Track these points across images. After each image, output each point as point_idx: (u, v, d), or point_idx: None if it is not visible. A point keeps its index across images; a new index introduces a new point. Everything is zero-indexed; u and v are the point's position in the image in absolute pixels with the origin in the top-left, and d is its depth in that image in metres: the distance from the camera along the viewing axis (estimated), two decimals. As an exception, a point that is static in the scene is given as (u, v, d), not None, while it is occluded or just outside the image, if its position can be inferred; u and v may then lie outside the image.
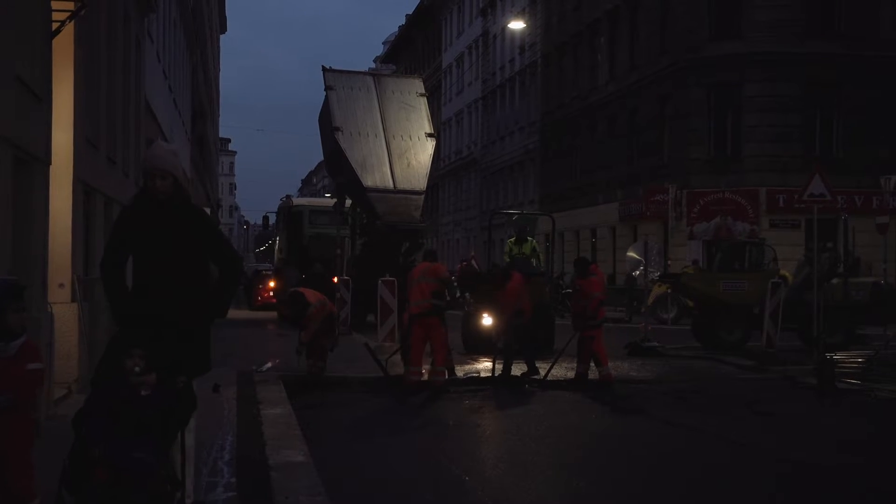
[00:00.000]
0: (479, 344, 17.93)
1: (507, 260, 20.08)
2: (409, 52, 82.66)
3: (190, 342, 5.85)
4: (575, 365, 14.89)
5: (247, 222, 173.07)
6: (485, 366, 15.47)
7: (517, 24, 47.57)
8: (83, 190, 12.42)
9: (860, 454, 9.86)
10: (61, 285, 11.17)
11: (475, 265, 28.67)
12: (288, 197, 37.52)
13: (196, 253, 6.00)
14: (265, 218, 44.29)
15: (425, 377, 13.59)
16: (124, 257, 6.06)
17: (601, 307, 14.98)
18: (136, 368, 5.30)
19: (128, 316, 5.89)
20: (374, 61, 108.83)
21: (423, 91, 27.27)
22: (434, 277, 13.87)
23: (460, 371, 14.77)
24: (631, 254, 25.04)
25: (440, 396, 13.09)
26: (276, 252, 39.63)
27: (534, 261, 20.13)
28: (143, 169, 6.13)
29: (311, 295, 14.07)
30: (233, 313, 33.90)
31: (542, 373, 14.69)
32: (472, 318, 18.28)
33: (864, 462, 9.45)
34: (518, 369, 14.70)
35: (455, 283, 20.45)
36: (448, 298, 14.21)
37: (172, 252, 5.89)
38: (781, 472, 8.85)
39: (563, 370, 15.22)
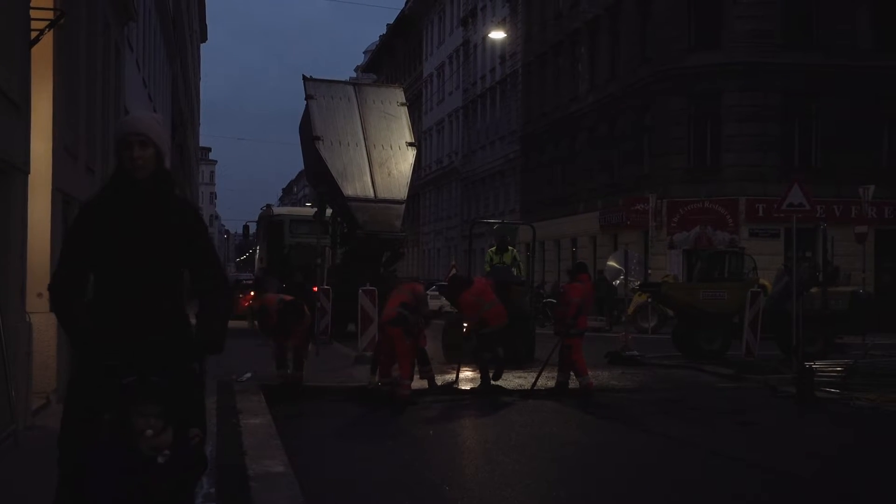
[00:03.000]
0: (459, 354, 17.96)
1: (488, 269, 20.10)
2: (390, 61, 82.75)
3: (195, 380, 4.55)
4: (556, 374, 14.87)
5: (227, 232, 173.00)
6: (464, 375, 15.46)
7: (498, 34, 47.69)
8: (62, 199, 12.36)
9: (838, 463, 9.90)
10: (39, 295, 11.08)
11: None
12: (268, 206, 37.44)
13: (177, 262, 4.47)
14: (245, 227, 44.23)
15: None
16: (84, 272, 4.46)
17: (580, 314, 14.86)
18: (150, 431, 3.95)
19: (100, 350, 4.27)
20: (355, 70, 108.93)
21: (404, 100, 27.30)
22: (409, 290, 13.95)
23: (440, 380, 14.73)
24: (611, 263, 25.10)
25: (417, 406, 13.06)
26: (256, 261, 39.56)
27: (514, 270, 20.16)
28: (116, 140, 4.60)
29: (304, 307, 14.36)
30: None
31: (522, 384, 14.68)
32: (451, 328, 18.28)
33: (841, 471, 9.48)
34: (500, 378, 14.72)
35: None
36: (420, 315, 14.02)
37: (151, 255, 4.37)
38: (760, 481, 8.88)
39: (542, 379, 15.20)
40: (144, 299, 4.32)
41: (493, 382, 14.48)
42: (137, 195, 4.43)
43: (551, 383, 14.93)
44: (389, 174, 24.75)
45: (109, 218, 4.39)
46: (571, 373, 14.60)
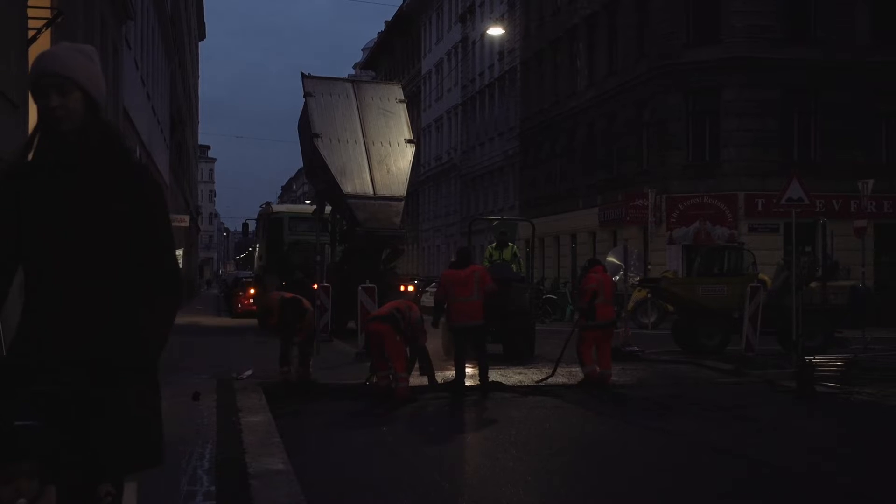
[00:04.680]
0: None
1: (487, 265, 20.11)
2: (389, 58, 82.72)
3: (114, 413, 3.11)
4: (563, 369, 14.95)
5: (227, 229, 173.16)
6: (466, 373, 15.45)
7: (496, 30, 47.66)
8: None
9: (839, 458, 9.90)
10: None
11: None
12: (268, 204, 37.44)
13: (121, 241, 3.25)
14: (245, 225, 44.17)
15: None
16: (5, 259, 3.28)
17: (595, 301, 14.91)
18: (22, 501, 2.75)
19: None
20: (354, 68, 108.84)
21: (403, 97, 27.27)
22: (406, 305, 13.96)
23: (439, 377, 14.71)
24: (611, 259, 25.06)
25: (416, 402, 13.06)
26: (256, 259, 39.58)
27: (514, 266, 20.16)
28: (29, 86, 3.37)
29: (306, 302, 14.25)
30: (214, 321, 33.94)
31: (521, 380, 14.66)
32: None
33: (842, 466, 9.48)
34: (499, 375, 14.71)
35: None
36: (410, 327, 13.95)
37: (78, 236, 3.21)
38: (762, 477, 8.87)
39: (542, 375, 15.23)
40: (75, 297, 3.20)
41: (441, 382, 14.25)
42: (60, 156, 3.26)
43: (552, 379, 14.97)
44: (388, 171, 24.73)
45: (26, 189, 3.26)
46: (596, 364, 14.80)
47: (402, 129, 25.86)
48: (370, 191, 24.21)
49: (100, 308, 3.21)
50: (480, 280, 14.16)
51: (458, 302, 14.02)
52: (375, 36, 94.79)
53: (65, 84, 3.24)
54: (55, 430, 2.93)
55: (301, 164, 33.03)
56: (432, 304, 15.43)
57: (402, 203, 24.82)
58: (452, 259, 15.83)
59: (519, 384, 14.74)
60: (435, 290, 14.91)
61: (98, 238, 3.21)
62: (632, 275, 23.31)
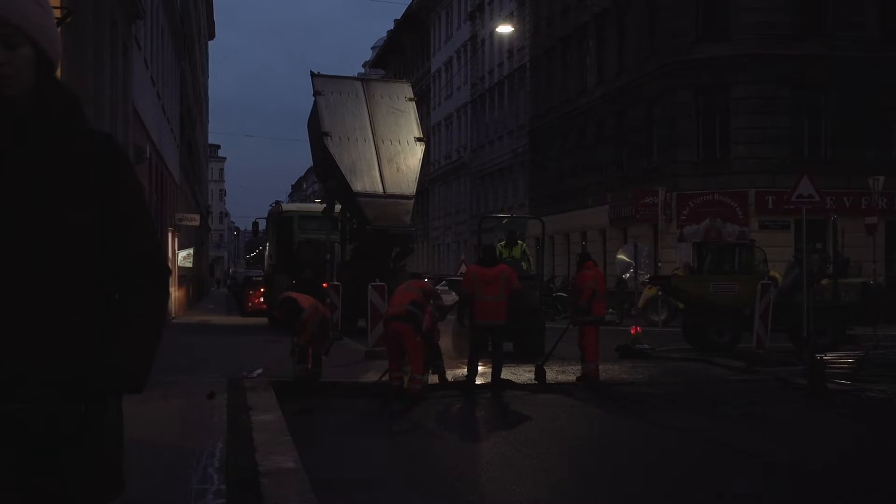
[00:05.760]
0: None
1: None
2: (398, 56, 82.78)
3: (78, 438, 2.53)
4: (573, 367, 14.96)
5: (237, 229, 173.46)
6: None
7: (505, 28, 47.67)
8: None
9: (852, 455, 9.87)
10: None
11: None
12: (277, 203, 37.48)
13: (80, 237, 2.58)
14: (255, 224, 44.21)
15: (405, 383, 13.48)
16: None
17: (594, 299, 14.96)
18: None
19: None
20: (364, 66, 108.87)
21: (412, 95, 27.25)
22: (418, 288, 13.84)
23: (450, 375, 14.71)
24: (621, 256, 25.16)
25: (427, 400, 13.05)
26: (265, 258, 39.60)
27: (524, 264, 20.15)
28: None
29: (304, 300, 13.95)
30: (224, 320, 33.98)
31: (531, 378, 14.66)
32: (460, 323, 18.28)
33: (855, 463, 9.46)
34: (510, 373, 14.70)
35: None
36: (433, 310, 13.91)
37: (22, 223, 2.50)
38: (773, 474, 8.85)
39: (553, 372, 15.22)
40: (24, 299, 2.49)
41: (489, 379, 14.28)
42: (3, 127, 2.53)
43: (562, 377, 14.97)
44: (398, 169, 24.71)
45: None
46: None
47: (412, 127, 25.84)
48: (380, 189, 24.20)
49: (61, 313, 2.54)
50: (508, 280, 14.12)
51: (484, 300, 13.99)
52: (385, 34, 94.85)
53: (13, 36, 2.51)
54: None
55: (311, 163, 33.03)
56: (447, 303, 15.41)
57: (412, 201, 24.80)
58: (462, 258, 15.84)
59: (530, 382, 14.72)
60: (460, 284, 14.84)
61: (50, 224, 2.53)
62: (642, 272, 23.31)
